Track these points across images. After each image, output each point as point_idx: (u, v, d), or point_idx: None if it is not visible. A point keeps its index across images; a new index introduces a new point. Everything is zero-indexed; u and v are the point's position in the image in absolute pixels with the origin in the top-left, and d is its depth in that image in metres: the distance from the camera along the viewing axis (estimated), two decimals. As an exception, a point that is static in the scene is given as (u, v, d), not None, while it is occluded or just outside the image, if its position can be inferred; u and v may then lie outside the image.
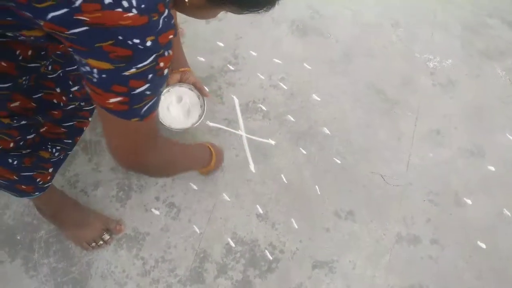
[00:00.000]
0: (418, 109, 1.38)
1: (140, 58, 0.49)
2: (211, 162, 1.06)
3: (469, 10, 1.63)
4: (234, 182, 1.21)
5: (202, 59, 1.41)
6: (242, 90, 1.37)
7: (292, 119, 1.33)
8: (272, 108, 1.34)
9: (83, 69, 0.51)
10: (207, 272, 1.09)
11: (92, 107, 0.96)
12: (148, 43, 0.48)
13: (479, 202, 1.23)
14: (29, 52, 0.65)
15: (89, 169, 1.19)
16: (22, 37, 0.56)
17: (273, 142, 1.28)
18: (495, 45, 1.54)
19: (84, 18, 0.45)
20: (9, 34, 0.55)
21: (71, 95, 0.82)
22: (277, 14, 1.52)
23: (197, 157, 1.03)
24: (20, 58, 0.64)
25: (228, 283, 1.08)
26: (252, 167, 1.24)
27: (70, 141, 0.92)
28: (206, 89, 1.18)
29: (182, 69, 1.15)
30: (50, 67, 0.76)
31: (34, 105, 0.75)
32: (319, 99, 1.37)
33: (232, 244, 1.13)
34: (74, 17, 0.45)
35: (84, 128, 0.95)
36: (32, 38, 0.56)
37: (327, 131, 1.31)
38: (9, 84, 0.66)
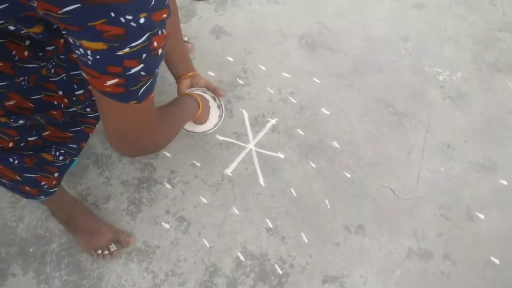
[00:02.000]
0: (428, 122, 1.38)
1: (133, 37, 0.49)
2: (199, 111, 1.03)
3: (479, 24, 1.63)
4: (243, 195, 1.22)
5: (212, 73, 1.42)
6: (252, 104, 1.38)
7: (301, 132, 1.33)
8: (281, 122, 1.35)
9: (77, 52, 0.51)
10: (217, 286, 1.09)
11: (97, 113, 0.96)
12: (142, 20, 0.48)
13: (492, 216, 1.22)
14: (26, 53, 0.65)
15: (100, 182, 1.21)
16: (23, 31, 0.56)
17: (282, 156, 1.28)
18: (505, 58, 1.54)
19: None
20: (11, 27, 0.55)
21: (74, 98, 0.82)
22: (285, 29, 1.53)
23: (188, 113, 0.99)
24: (17, 58, 0.64)
25: (237, 297, 1.08)
26: (261, 180, 1.24)
27: (75, 146, 0.92)
28: (220, 89, 1.16)
29: (191, 73, 1.14)
30: (52, 70, 0.76)
31: (32, 105, 0.75)
32: (328, 112, 1.38)
33: (242, 258, 1.13)
34: None
35: (90, 134, 0.95)
36: (31, 34, 0.56)
37: (336, 145, 1.31)
38: (5, 82, 0.66)
